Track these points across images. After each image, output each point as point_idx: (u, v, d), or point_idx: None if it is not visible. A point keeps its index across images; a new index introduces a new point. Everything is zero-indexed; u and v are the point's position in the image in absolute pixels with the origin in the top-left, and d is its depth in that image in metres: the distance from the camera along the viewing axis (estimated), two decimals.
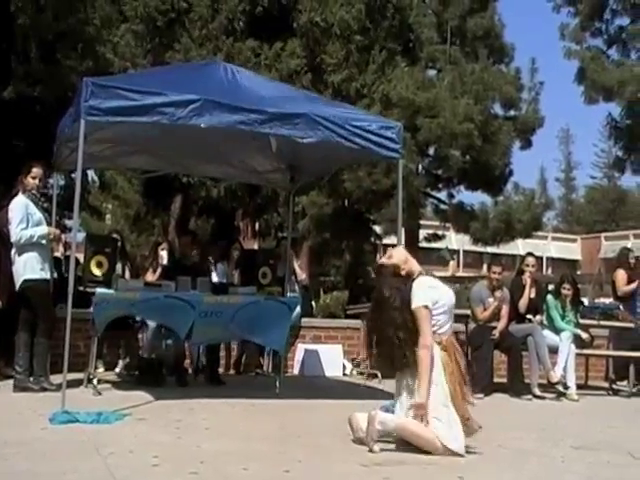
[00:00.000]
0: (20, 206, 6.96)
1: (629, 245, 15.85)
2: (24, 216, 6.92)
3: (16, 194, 7.08)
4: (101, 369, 8.47)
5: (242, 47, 13.63)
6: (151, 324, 8.18)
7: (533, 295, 9.04)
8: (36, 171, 7.20)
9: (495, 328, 8.65)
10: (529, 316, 8.82)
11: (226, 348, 9.40)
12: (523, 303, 8.90)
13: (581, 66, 19.10)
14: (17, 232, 6.91)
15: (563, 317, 9.03)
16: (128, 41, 14.16)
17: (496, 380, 8.93)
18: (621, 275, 9.83)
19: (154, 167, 9.72)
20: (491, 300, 8.79)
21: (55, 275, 7.65)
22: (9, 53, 12.23)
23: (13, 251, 7.05)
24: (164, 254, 9.02)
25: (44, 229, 7.02)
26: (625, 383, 9.35)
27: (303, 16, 14.24)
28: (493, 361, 8.88)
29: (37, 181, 7.22)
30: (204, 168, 9.57)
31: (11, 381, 7.12)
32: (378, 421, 4.86)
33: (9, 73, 12.14)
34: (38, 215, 7.04)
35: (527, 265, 9.16)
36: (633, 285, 9.69)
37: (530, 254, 9.64)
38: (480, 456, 5.06)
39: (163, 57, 13.63)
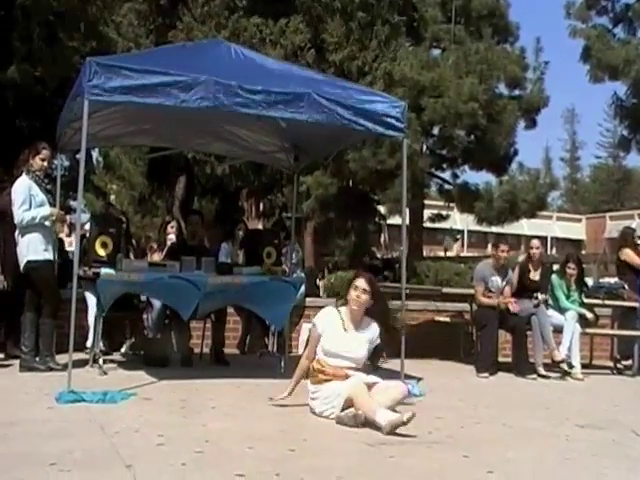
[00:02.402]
0: (23, 187, 6.95)
1: (634, 225, 15.78)
2: (27, 197, 6.91)
3: (19, 175, 7.06)
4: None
5: (246, 24, 13.57)
6: (156, 304, 8.20)
7: (537, 277, 9.04)
8: (46, 153, 7.17)
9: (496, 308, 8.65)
10: (537, 295, 8.78)
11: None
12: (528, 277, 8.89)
13: (586, 45, 18.95)
14: (20, 213, 6.90)
15: (568, 297, 9.04)
16: (131, 20, 14.12)
17: (500, 359, 8.95)
18: (631, 253, 9.82)
19: (158, 144, 9.70)
20: (494, 279, 8.79)
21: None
22: (11, 33, 12.19)
23: (17, 232, 7.05)
24: (172, 236, 9.02)
25: (47, 210, 7.01)
26: (629, 362, 9.37)
27: None
28: (498, 341, 8.89)
29: (45, 163, 7.21)
30: (208, 146, 9.55)
31: (17, 361, 7.15)
32: None
33: (11, 53, 12.11)
34: (41, 196, 7.02)
35: (531, 247, 9.18)
36: None
37: (536, 237, 9.67)
38: (485, 434, 5.08)
39: (166, 36, 13.57)
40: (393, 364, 6.26)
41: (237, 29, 13.36)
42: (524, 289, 8.92)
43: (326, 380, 5.39)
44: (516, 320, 8.63)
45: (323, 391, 5.36)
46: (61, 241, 8.99)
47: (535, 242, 9.39)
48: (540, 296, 8.77)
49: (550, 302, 8.98)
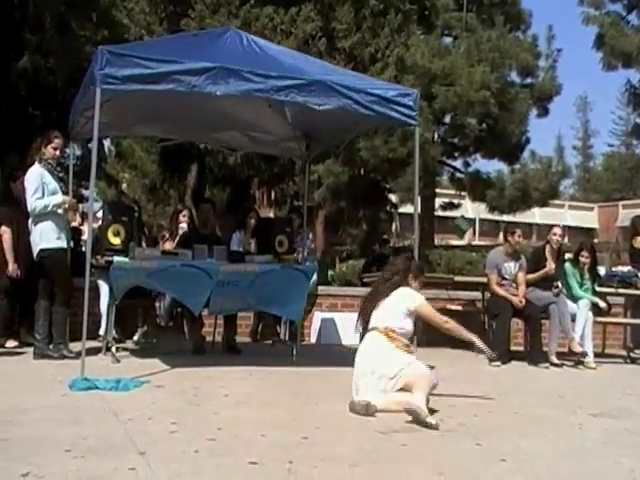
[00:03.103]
0: (35, 176, 6.97)
1: None
2: (39, 185, 6.94)
3: (32, 163, 7.09)
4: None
5: (258, 13, 13.54)
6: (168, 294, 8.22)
7: (553, 265, 9.00)
8: (58, 142, 7.20)
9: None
10: (557, 283, 8.73)
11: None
12: (549, 267, 8.82)
13: (600, 32, 18.82)
14: (32, 202, 6.93)
15: (581, 285, 9.00)
16: (143, 8, 14.09)
17: (512, 348, 8.93)
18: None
19: (170, 135, 9.70)
20: (507, 265, 8.75)
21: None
22: (23, 24, 12.20)
23: (30, 221, 7.09)
24: (184, 225, 9.02)
25: (59, 198, 7.03)
26: None
27: None
28: (510, 330, 8.86)
29: (58, 152, 7.24)
30: (219, 136, 9.54)
31: (31, 349, 7.20)
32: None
33: (23, 45, 12.12)
34: (53, 184, 7.05)
35: (554, 234, 9.09)
36: None
37: (556, 225, 9.63)
38: (497, 423, 5.08)
39: (178, 24, 13.56)
40: None
41: (249, 18, 13.33)
42: (542, 278, 8.86)
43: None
44: (531, 309, 8.60)
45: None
46: (77, 230, 9.01)
47: (557, 230, 9.30)
48: (559, 284, 8.74)
49: (563, 291, 8.95)
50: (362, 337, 5.63)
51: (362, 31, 14.43)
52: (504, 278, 8.80)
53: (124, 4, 13.98)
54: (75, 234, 8.26)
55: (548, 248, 8.99)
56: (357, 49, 14.35)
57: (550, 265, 8.73)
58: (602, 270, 10.35)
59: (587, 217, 55.28)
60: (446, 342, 9.25)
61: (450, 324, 5.77)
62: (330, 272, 16.00)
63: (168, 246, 8.67)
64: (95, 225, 7.44)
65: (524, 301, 8.56)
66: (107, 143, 19.00)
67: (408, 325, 5.57)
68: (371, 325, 5.55)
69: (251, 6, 13.57)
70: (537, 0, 29.07)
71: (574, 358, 8.61)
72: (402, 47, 14.89)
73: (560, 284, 8.73)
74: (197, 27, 12.87)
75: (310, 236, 10.71)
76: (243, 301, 7.80)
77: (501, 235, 14.92)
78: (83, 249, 8.60)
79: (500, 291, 8.68)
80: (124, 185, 24.80)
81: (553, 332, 8.55)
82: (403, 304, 5.57)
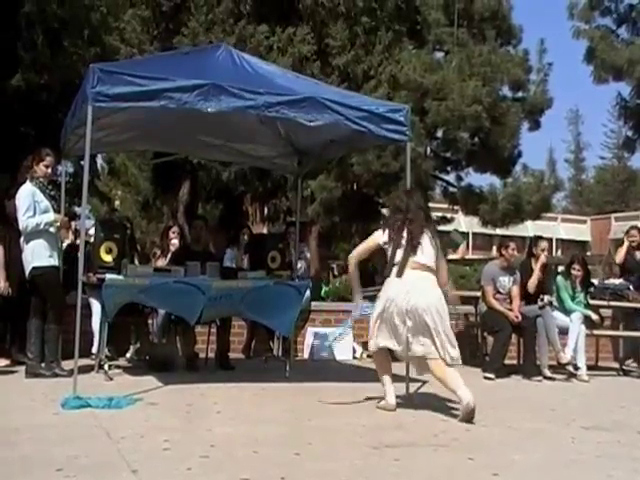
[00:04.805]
0: (27, 194, 6.97)
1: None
2: (31, 204, 6.94)
3: (23, 182, 7.09)
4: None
5: (253, 31, 13.60)
6: (161, 310, 8.20)
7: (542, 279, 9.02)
8: (49, 159, 7.21)
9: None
10: (543, 296, 8.76)
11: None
12: (532, 282, 8.85)
13: (590, 45, 18.90)
14: (24, 220, 6.93)
15: (573, 298, 9.02)
16: (134, 27, 14.15)
17: (505, 362, 8.93)
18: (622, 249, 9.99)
19: (162, 149, 9.73)
20: (502, 279, 8.76)
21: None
22: (16, 41, 12.24)
23: (22, 239, 7.08)
24: (175, 241, 9.03)
25: (51, 216, 7.04)
26: (635, 364, 9.36)
27: None
28: (509, 345, 8.85)
29: (49, 169, 7.24)
30: (212, 153, 9.56)
31: (23, 367, 7.18)
32: None
33: (16, 61, 12.15)
34: (45, 203, 7.05)
35: (542, 250, 9.10)
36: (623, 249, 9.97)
37: (540, 237, 9.63)
38: (490, 437, 5.08)
39: (170, 42, 13.62)
40: (397, 368, 6.25)
41: (244, 36, 13.39)
42: (528, 293, 8.89)
43: None
44: (526, 322, 8.59)
45: None
46: (74, 246, 8.99)
47: (543, 243, 9.32)
48: (546, 298, 8.76)
49: (555, 303, 8.97)
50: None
51: (355, 48, 14.51)
52: (499, 292, 8.80)
53: (116, 24, 14.03)
54: (72, 251, 8.24)
55: (534, 261, 9.00)
56: (350, 66, 14.42)
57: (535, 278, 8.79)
58: (595, 282, 10.39)
59: (580, 230, 55.33)
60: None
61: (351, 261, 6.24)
62: (325, 288, 15.98)
63: (160, 263, 8.65)
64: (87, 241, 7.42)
65: (520, 316, 8.57)
66: (100, 160, 19.04)
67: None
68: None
69: (246, 24, 13.63)
70: (528, 15, 29.29)
71: (567, 371, 8.61)
72: (394, 64, 14.97)
73: (548, 298, 8.75)
74: (190, 44, 12.92)
75: (306, 250, 10.73)
76: (235, 311, 7.91)
77: (494, 249, 14.94)
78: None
79: (496, 305, 8.68)
80: (117, 202, 24.81)
81: (542, 345, 8.54)
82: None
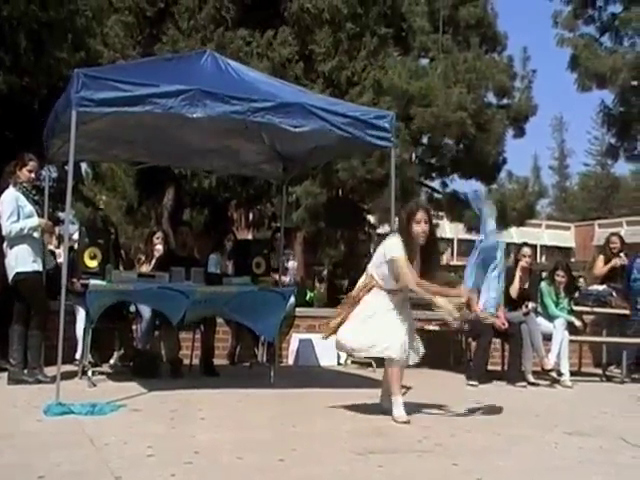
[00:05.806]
0: (10, 199, 6.93)
1: (622, 232, 15.81)
2: (14, 209, 6.90)
3: (7, 187, 7.05)
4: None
5: (233, 37, 13.61)
6: (145, 315, 8.18)
7: (526, 285, 9.03)
8: (33, 164, 7.18)
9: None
10: (528, 303, 8.78)
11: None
12: (514, 287, 8.85)
13: (574, 53, 19.01)
14: (7, 225, 6.90)
15: (557, 304, 9.05)
16: (117, 32, 14.13)
17: (489, 368, 8.95)
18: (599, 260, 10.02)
19: (145, 159, 9.68)
20: None
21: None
22: None
23: (5, 244, 7.04)
24: (159, 247, 9.00)
25: (34, 221, 7.00)
26: (618, 370, 9.40)
27: (294, 3, 14.24)
28: (489, 350, 8.86)
29: (32, 174, 7.21)
30: (195, 160, 9.53)
31: (5, 374, 7.12)
32: None
33: None
34: (29, 208, 7.01)
35: (524, 255, 9.11)
36: (606, 267, 9.88)
37: (525, 244, 9.67)
38: (474, 442, 5.09)
39: (152, 49, 13.60)
40: (381, 373, 6.25)
41: (223, 42, 13.39)
42: (513, 299, 8.90)
43: None
44: (512, 328, 8.60)
45: None
46: (52, 253, 8.95)
47: (526, 250, 9.33)
48: (530, 304, 8.79)
49: (539, 310, 9.00)
50: None
51: (339, 54, 14.55)
52: None
53: (100, 29, 14.01)
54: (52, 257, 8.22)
55: (518, 267, 9.01)
56: (335, 73, 14.45)
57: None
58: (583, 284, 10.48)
59: (564, 236, 55.59)
60: (424, 362, 9.28)
61: (420, 288, 6.07)
62: (310, 294, 15.99)
63: (145, 269, 8.63)
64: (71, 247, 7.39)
65: (507, 324, 8.56)
66: (84, 165, 18.93)
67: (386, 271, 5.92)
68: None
69: (225, 30, 13.64)
70: (512, 22, 29.42)
71: (550, 377, 8.64)
72: (379, 70, 15.02)
73: (532, 304, 8.77)
74: (170, 51, 12.92)
75: (293, 256, 10.74)
76: (219, 312, 7.98)
77: None
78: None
79: (480, 314, 8.66)
80: (101, 207, 24.69)
81: (526, 351, 8.56)
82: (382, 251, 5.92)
